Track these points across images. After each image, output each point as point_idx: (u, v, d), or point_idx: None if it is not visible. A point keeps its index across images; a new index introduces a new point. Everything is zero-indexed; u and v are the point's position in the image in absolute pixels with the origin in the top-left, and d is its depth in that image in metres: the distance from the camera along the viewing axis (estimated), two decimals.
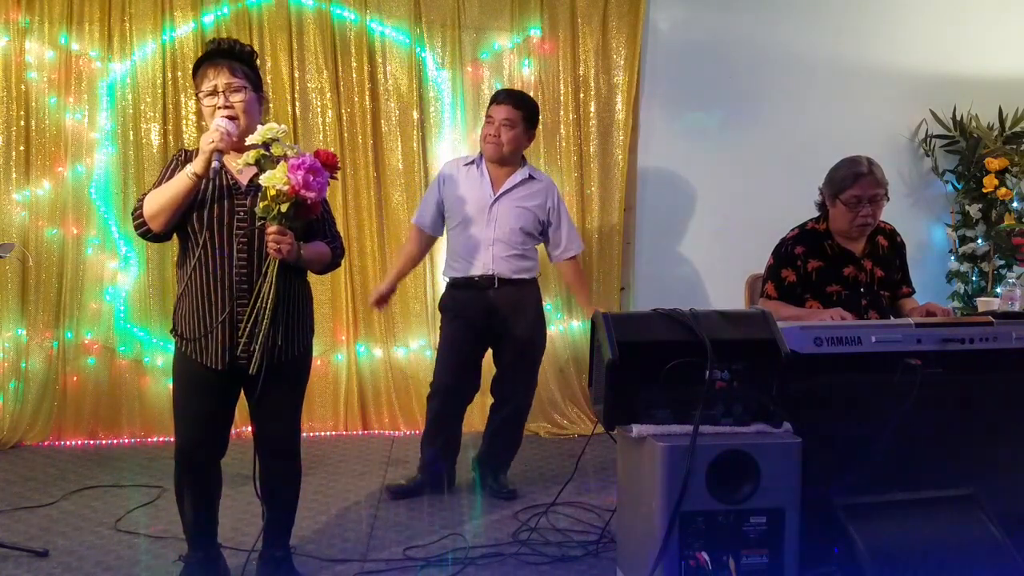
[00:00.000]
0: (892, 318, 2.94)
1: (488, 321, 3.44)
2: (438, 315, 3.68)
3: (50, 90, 4.27)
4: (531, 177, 3.51)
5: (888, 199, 2.98)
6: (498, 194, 3.43)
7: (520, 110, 3.43)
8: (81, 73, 4.29)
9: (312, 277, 2.60)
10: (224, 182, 2.37)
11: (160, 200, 2.32)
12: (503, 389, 3.57)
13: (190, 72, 4.27)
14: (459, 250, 3.46)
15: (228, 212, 2.36)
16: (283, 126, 2.30)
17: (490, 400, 3.63)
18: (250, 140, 2.30)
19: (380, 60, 4.48)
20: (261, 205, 2.26)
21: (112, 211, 4.35)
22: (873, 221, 2.95)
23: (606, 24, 4.64)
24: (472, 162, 3.52)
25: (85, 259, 4.33)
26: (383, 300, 3.56)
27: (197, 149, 2.32)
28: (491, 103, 3.50)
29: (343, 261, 2.72)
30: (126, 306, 4.38)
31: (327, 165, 2.32)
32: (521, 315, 3.47)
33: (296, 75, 4.42)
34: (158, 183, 2.39)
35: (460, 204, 3.45)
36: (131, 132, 4.33)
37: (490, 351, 3.57)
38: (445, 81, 4.55)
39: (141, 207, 2.35)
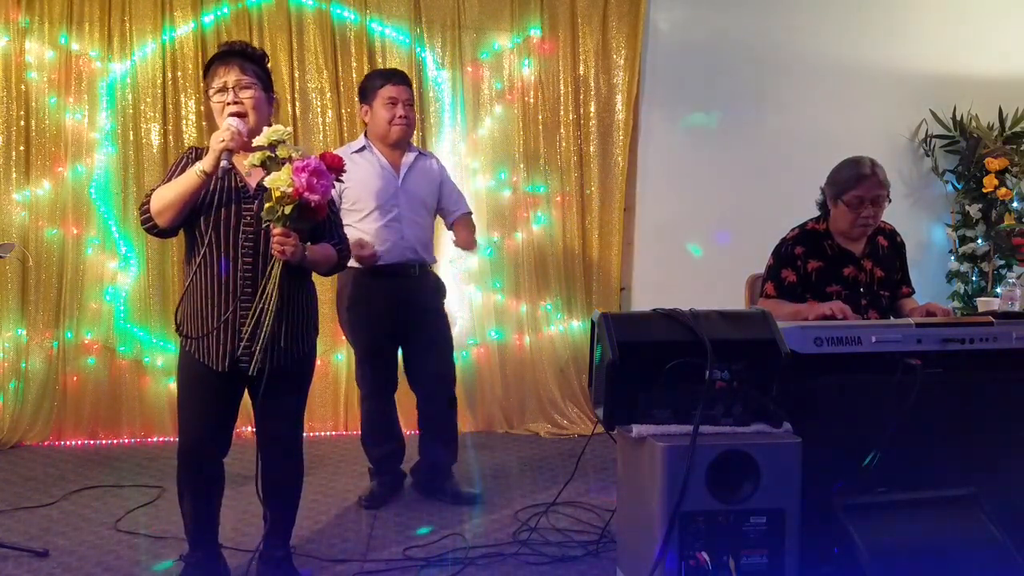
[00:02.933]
0: (892, 318, 2.95)
1: (402, 309, 3.34)
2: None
3: (50, 90, 4.27)
4: (421, 154, 3.48)
5: (890, 201, 2.97)
6: (402, 176, 3.37)
7: (411, 88, 3.41)
8: (81, 73, 4.29)
9: (314, 277, 2.60)
10: (233, 184, 2.39)
11: (168, 196, 2.32)
12: (426, 385, 3.46)
13: (190, 72, 4.35)
14: (374, 239, 3.27)
15: (235, 215, 2.37)
16: (288, 128, 2.32)
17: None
18: (256, 142, 2.31)
19: (380, 60, 4.48)
20: (266, 207, 2.27)
21: (112, 211, 4.35)
22: (874, 223, 2.95)
23: (606, 24, 4.64)
24: (363, 148, 3.38)
25: (85, 259, 4.33)
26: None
27: (207, 147, 2.33)
28: (383, 84, 3.33)
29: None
30: (126, 306, 4.38)
31: (332, 168, 2.32)
32: (433, 301, 3.45)
33: (296, 75, 4.42)
34: (167, 179, 2.39)
35: (368, 191, 3.30)
36: (131, 132, 4.33)
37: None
38: (445, 81, 4.55)
39: (149, 202, 2.36)
